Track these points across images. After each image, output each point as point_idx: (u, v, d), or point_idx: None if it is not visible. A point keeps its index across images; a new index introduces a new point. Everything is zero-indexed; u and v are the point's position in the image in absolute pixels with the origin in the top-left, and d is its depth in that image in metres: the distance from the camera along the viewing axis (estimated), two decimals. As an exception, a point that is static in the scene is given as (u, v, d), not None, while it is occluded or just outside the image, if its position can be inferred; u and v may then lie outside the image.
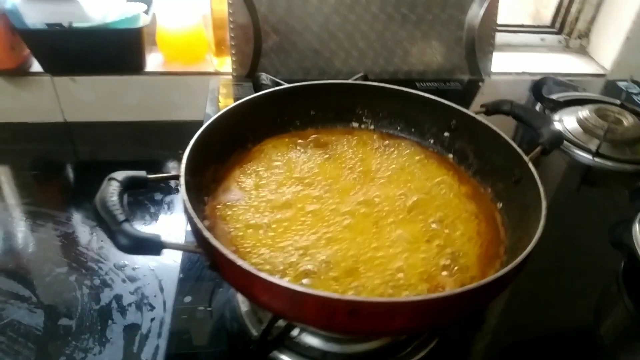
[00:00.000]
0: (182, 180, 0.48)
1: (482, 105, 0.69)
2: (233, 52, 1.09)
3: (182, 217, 0.57)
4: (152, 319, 0.72)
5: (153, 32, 1.14)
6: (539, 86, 1.03)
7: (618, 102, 1.05)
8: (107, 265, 0.80)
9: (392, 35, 1.14)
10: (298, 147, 0.67)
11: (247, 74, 1.10)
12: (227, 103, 0.98)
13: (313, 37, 1.12)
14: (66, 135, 1.15)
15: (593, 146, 0.92)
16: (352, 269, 0.51)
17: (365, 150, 0.69)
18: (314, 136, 0.70)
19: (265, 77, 0.96)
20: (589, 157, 0.91)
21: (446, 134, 0.70)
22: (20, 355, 0.66)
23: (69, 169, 1.06)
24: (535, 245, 0.46)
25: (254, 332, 0.56)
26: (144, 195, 0.92)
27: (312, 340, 0.56)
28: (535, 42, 1.38)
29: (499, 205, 0.62)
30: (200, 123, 0.58)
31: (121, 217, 0.43)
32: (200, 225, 0.45)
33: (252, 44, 1.09)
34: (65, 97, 1.11)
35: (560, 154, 0.94)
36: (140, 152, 1.11)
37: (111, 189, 0.46)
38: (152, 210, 0.90)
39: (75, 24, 1.02)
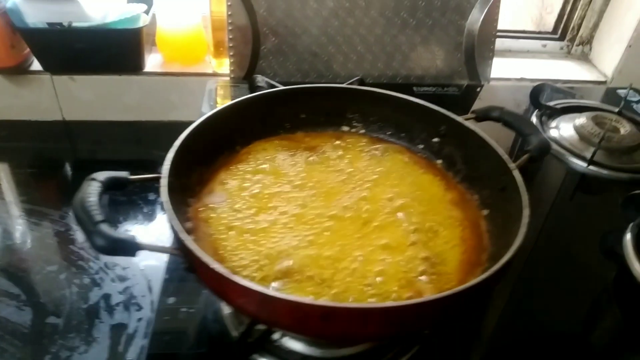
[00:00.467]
0: (162, 181, 0.48)
1: (472, 112, 0.68)
2: (231, 53, 1.09)
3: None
4: (139, 319, 0.72)
5: (153, 33, 1.14)
6: (537, 93, 1.03)
7: (616, 110, 1.04)
8: (97, 264, 0.80)
9: (391, 40, 1.14)
10: (286, 150, 0.67)
11: (245, 76, 1.10)
12: (224, 104, 0.98)
13: (312, 40, 1.12)
14: (65, 133, 1.16)
15: (588, 154, 0.91)
16: (332, 273, 0.51)
17: (354, 154, 0.69)
18: (303, 139, 0.70)
19: (261, 80, 0.96)
20: (584, 164, 0.91)
21: (435, 139, 0.69)
22: (6, 353, 0.66)
23: (66, 167, 1.06)
24: (513, 255, 0.46)
25: (235, 334, 0.56)
26: (138, 195, 0.93)
27: (293, 344, 0.56)
28: (536, 48, 1.37)
29: (485, 212, 0.61)
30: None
31: (98, 218, 0.43)
32: (178, 227, 0.45)
33: (250, 46, 1.09)
34: (65, 96, 1.11)
35: (555, 161, 0.94)
36: (137, 152, 1.11)
37: (90, 189, 0.46)
38: (145, 210, 0.90)
39: (75, 24, 1.02)
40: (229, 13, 1.06)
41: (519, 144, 0.97)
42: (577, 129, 0.98)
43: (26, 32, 1.02)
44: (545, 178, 0.95)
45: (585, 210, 0.87)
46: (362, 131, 0.73)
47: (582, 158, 0.92)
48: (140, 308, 0.73)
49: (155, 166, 1.00)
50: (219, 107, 0.62)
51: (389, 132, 0.73)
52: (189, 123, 0.59)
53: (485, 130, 0.63)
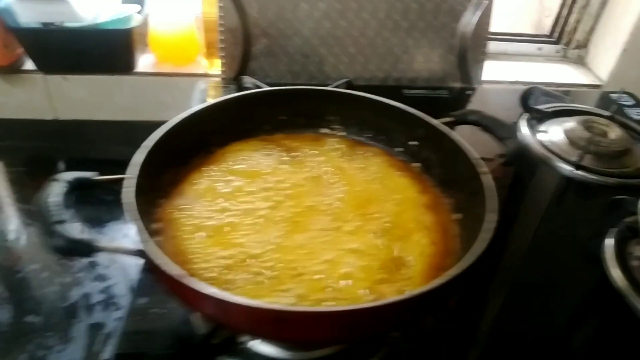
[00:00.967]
0: (126, 182, 0.48)
1: (449, 115, 0.68)
2: (222, 54, 1.09)
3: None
4: (117, 319, 0.72)
5: (145, 33, 1.15)
6: (527, 96, 1.02)
7: (608, 113, 1.03)
8: (80, 263, 0.80)
9: (383, 42, 1.14)
10: (263, 152, 0.68)
11: (236, 77, 1.10)
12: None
13: (303, 42, 1.12)
14: (57, 133, 1.16)
15: (576, 158, 0.91)
16: (297, 275, 0.51)
17: (331, 157, 0.69)
18: (281, 141, 0.70)
19: (248, 81, 0.97)
20: (572, 169, 0.90)
21: (413, 142, 0.69)
22: (-19, 350, 0.67)
23: (59, 166, 1.07)
24: (474, 261, 0.45)
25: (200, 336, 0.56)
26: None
27: (262, 347, 0.56)
28: (532, 52, 1.37)
29: (458, 216, 0.61)
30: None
31: (56, 218, 0.43)
32: (140, 227, 0.45)
33: (241, 47, 1.09)
34: (57, 95, 1.12)
35: (543, 166, 0.93)
36: (129, 152, 1.11)
37: (53, 190, 0.46)
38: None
39: (67, 24, 1.03)
40: (220, 14, 1.06)
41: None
42: (567, 133, 0.97)
43: (19, 31, 1.03)
44: (534, 182, 0.95)
45: (572, 215, 0.87)
46: (342, 133, 0.73)
47: (570, 162, 0.91)
48: (119, 308, 0.74)
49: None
50: (193, 109, 0.62)
51: (369, 135, 0.73)
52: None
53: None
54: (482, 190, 0.54)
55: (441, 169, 0.66)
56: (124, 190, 0.48)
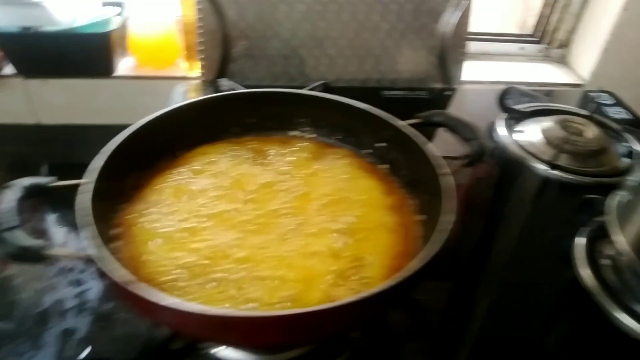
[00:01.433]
0: (81, 188, 0.48)
1: (416, 116, 0.68)
2: (201, 57, 1.09)
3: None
4: (88, 324, 0.72)
5: (125, 37, 1.15)
6: (505, 96, 1.02)
7: (586, 112, 1.03)
8: (55, 268, 0.80)
9: (363, 43, 1.14)
10: (229, 155, 0.67)
11: (215, 79, 1.10)
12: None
13: (282, 44, 1.12)
14: (39, 137, 1.16)
15: (551, 158, 0.90)
16: (255, 279, 0.51)
17: (299, 159, 0.69)
18: (250, 144, 0.70)
19: (225, 83, 0.97)
20: (547, 168, 0.90)
21: (381, 144, 0.69)
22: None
23: (41, 170, 1.07)
24: (426, 263, 0.45)
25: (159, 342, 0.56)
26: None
27: (223, 351, 0.56)
28: (514, 52, 1.36)
29: (423, 217, 0.61)
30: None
31: (5, 226, 0.43)
32: (93, 233, 0.45)
33: (220, 50, 1.09)
34: (38, 100, 1.12)
35: (520, 166, 0.93)
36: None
37: (7, 196, 0.46)
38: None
39: (44, 28, 1.03)
40: (199, 17, 1.06)
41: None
42: (544, 133, 0.97)
43: (-2, 36, 1.03)
44: (511, 183, 0.95)
45: (547, 215, 0.87)
46: (312, 136, 0.73)
47: (546, 162, 0.91)
48: (91, 313, 0.74)
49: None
50: (156, 113, 0.62)
51: (338, 137, 0.73)
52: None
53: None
54: (441, 191, 0.54)
55: (408, 170, 0.66)
56: (78, 196, 0.48)
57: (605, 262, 0.71)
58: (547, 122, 0.98)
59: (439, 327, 0.66)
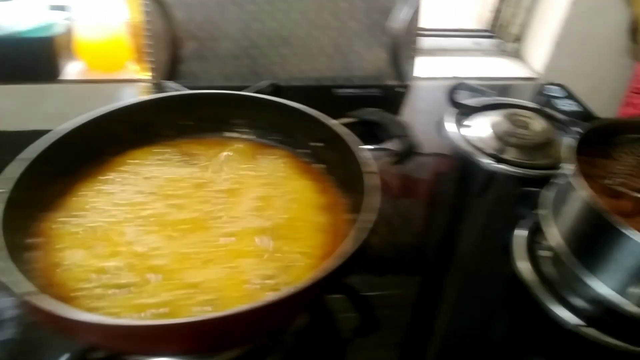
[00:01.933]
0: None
1: (349, 115, 0.68)
2: (151, 59, 1.08)
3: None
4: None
5: (72, 40, 1.13)
6: (454, 91, 1.02)
7: (536, 106, 1.04)
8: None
9: (315, 42, 1.14)
10: (160, 159, 0.66)
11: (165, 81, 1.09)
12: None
13: (233, 44, 1.11)
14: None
15: (498, 152, 0.91)
16: (174, 285, 0.50)
17: (233, 161, 0.68)
18: (184, 147, 0.69)
19: (171, 86, 0.95)
20: (492, 162, 0.90)
21: (317, 143, 0.68)
22: None
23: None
24: (341, 263, 0.45)
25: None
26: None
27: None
28: (470, 47, 1.37)
29: (352, 217, 0.60)
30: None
31: None
32: (-1, 243, 0.44)
33: (169, 51, 1.08)
34: (-17, 106, 1.10)
35: (467, 161, 0.93)
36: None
37: None
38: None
39: (-16, 33, 1.01)
40: (146, 19, 1.05)
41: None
42: (492, 127, 0.97)
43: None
44: (460, 178, 0.95)
45: (492, 209, 0.87)
46: (249, 137, 0.72)
47: (492, 156, 0.91)
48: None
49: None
50: (79, 118, 0.61)
51: (276, 138, 0.72)
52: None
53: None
54: (363, 190, 0.54)
55: (341, 169, 0.65)
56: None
57: (542, 253, 0.71)
58: (496, 116, 0.99)
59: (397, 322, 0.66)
